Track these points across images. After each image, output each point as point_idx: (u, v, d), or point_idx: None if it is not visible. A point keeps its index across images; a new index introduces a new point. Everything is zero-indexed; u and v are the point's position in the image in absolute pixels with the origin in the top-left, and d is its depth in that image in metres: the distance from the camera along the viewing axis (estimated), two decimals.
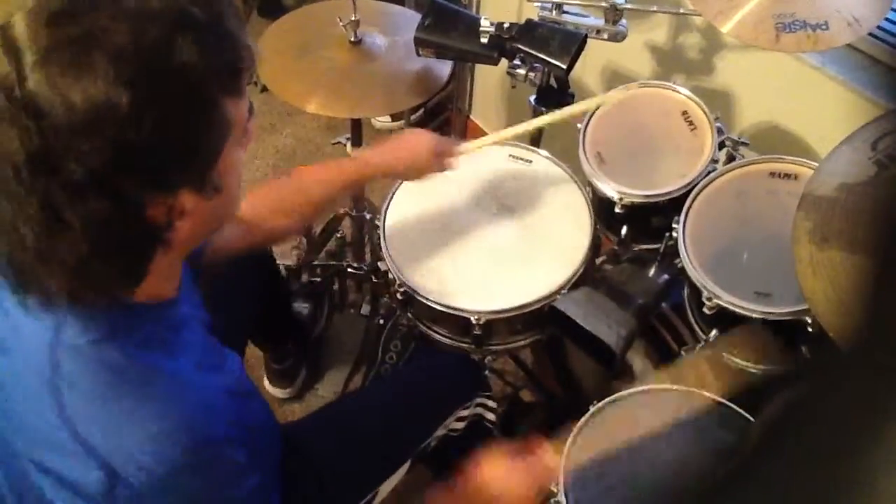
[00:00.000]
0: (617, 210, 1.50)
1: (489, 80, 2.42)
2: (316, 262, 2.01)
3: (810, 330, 1.26)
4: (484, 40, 1.47)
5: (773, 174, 1.43)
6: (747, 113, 1.73)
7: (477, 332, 1.42)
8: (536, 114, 1.69)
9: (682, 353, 1.44)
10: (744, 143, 1.53)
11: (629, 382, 1.61)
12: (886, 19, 1.35)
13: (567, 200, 1.57)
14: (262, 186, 1.31)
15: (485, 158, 1.65)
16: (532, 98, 1.67)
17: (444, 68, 1.65)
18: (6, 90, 0.69)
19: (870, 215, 1.02)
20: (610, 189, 1.51)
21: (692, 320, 1.45)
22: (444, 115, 2.61)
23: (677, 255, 1.40)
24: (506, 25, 1.48)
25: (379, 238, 1.52)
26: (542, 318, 1.45)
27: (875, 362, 0.45)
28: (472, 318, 1.40)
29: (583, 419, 1.28)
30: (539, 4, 1.55)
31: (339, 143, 1.82)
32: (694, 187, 1.45)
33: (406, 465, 1.33)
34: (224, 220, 0.90)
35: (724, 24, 1.33)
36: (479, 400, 1.43)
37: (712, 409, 1.29)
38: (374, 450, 1.31)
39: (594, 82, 2.05)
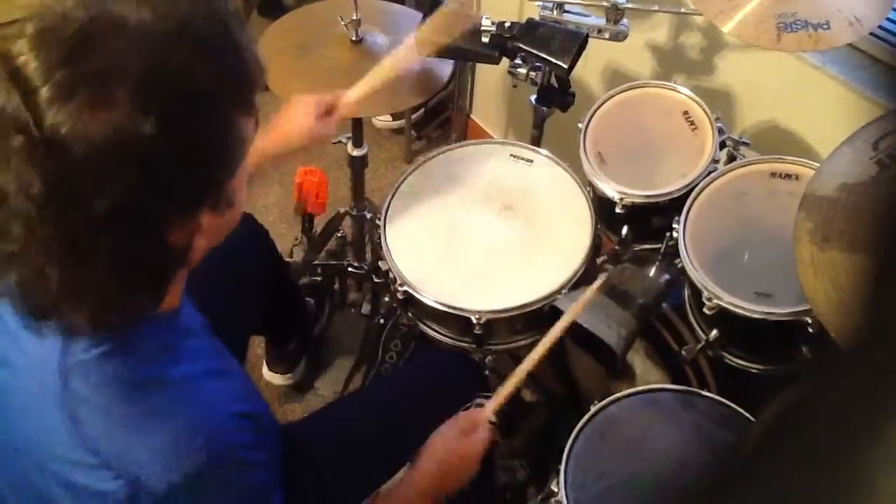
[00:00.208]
0: (617, 210, 1.50)
1: (490, 79, 2.42)
2: (316, 262, 2.01)
3: (811, 330, 1.26)
4: (485, 39, 1.47)
5: (773, 174, 1.43)
6: (748, 113, 1.73)
7: (477, 331, 1.42)
8: (538, 113, 1.70)
9: (683, 352, 1.44)
10: (745, 143, 1.52)
11: (629, 382, 1.61)
12: (887, 19, 1.35)
13: (568, 200, 1.56)
14: None
15: (486, 158, 1.65)
16: (533, 97, 1.67)
17: (446, 68, 1.65)
18: (21, 128, 0.68)
19: (871, 215, 1.02)
20: (610, 189, 1.50)
21: (693, 320, 1.45)
22: (445, 114, 2.61)
23: (678, 255, 1.40)
24: (507, 25, 1.48)
25: (380, 237, 1.52)
26: (542, 317, 1.45)
27: (875, 362, 0.45)
28: (472, 318, 1.40)
29: (583, 419, 1.29)
30: (540, 4, 1.55)
31: (339, 142, 1.82)
32: (695, 187, 1.45)
33: (406, 466, 1.33)
34: (230, 229, 0.91)
35: (726, 24, 1.33)
36: (478, 400, 1.43)
37: (712, 409, 1.29)
38: (374, 450, 1.31)
39: (595, 82, 2.05)
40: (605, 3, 1.50)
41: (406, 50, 1.43)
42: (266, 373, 2.00)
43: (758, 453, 0.54)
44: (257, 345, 2.01)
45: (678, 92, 1.59)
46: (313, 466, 1.22)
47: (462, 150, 1.67)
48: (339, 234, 2.06)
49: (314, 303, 2.07)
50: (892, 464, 0.44)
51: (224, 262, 1.41)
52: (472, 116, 2.58)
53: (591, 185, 1.56)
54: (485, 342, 1.47)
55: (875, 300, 0.49)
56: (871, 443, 0.44)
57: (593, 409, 1.30)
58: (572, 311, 1.26)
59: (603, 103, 1.63)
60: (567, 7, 1.55)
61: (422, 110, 2.56)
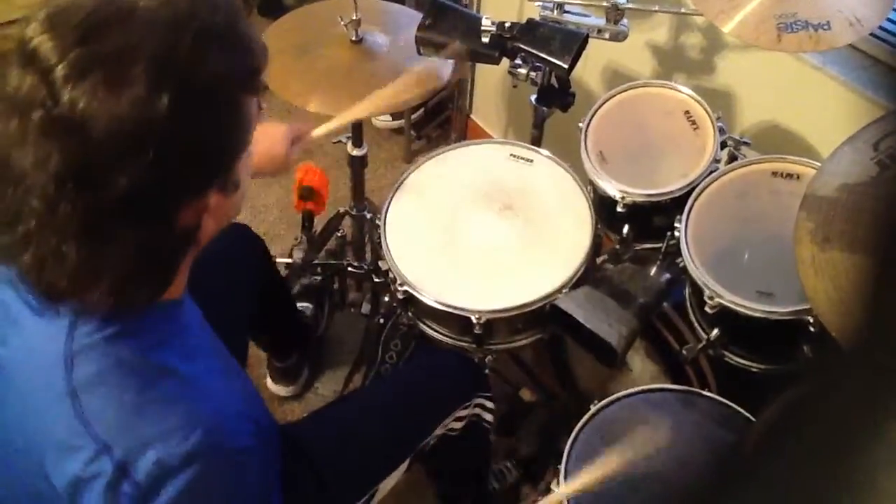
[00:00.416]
0: (618, 209, 1.50)
1: (490, 79, 2.42)
2: (316, 262, 2.01)
3: (812, 329, 1.26)
4: (485, 39, 1.47)
5: (775, 174, 1.43)
6: (749, 113, 1.73)
7: (478, 331, 1.42)
8: (538, 113, 1.70)
9: (684, 352, 1.44)
10: (745, 143, 1.52)
11: (630, 382, 1.61)
12: (888, 19, 1.35)
13: (568, 200, 1.56)
14: None
15: (486, 158, 1.65)
16: (533, 97, 1.67)
17: (446, 67, 1.65)
18: (40, 102, 0.70)
19: (871, 215, 1.02)
20: (611, 188, 1.50)
21: (694, 319, 1.45)
22: (445, 114, 2.60)
23: (679, 254, 1.40)
24: (507, 25, 1.48)
25: (379, 237, 1.52)
26: (543, 317, 1.45)
27: (876, 362, 0.45)
28: (472, 318, 1.40)
29: (583, 419, 1.29)
30: (540, 4, 1.55)
31: (339, 141, 1.82)
32: (696, 187, 1.45)
33: (405, 464, 1.33)
34: (235, 213, 0.93)
35: (726, 24, 1.33)
36: (478, 400, 1.43)
37: (713, 408, 1.29)
38: (373, 449, 1.31)
39: (595, 82, 2.05)
40: (605, 4, 1.50)
41: (381, 97, 1.44)
42: (270, 384, 2.01)
43: (758, 453, 0.54)
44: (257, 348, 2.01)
45: (679, 91, 1.59)
46: (313, 466, 1.22)
47: (462, 150, 1.67)
48: (338, 234, 2.06)
49: (312, 307, 2.07)
50: (892, 464, 0.44)
51: (221, 269, 1.42)
52: (472, 116, 2.58)
53: (592, 184, 1.56)
54: (485, 342, 1.47)
55: (875, 300, 0.49)
56: (871, 443, 0.44)
57: (593, 408, 1.30)
58: None
59: (604, 103, 1.63)
60: (567, 7, 1.55)
61: (422, 110, 2.55)
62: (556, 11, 1.55)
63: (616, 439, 1.27)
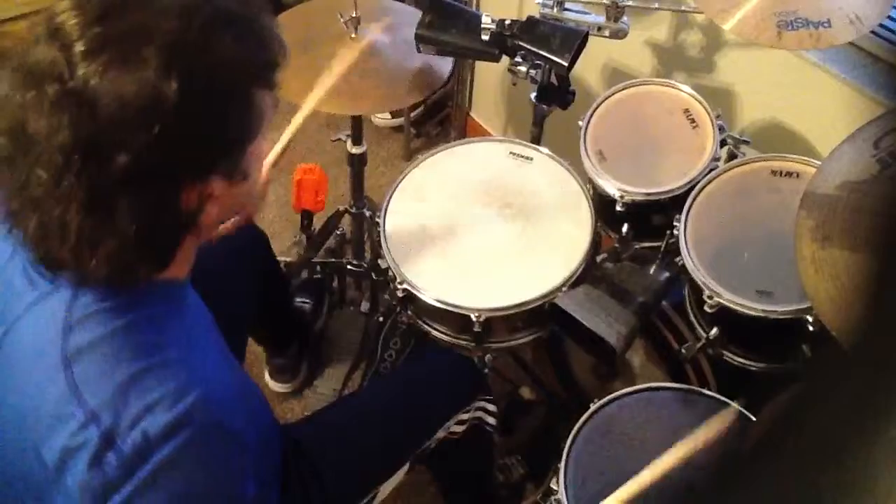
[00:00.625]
0: (618, 208, 1.50)
1: (490, 77, 2.42)
2: (315, 260, 2.01)
3: (811, 328, 1.25)
4: (485, 37, 1.47)
5: (774, 172, 1.43)
6: (749, 111, 1.73)
7: (477, 329, 1.42)
8: (537, 111, 1.69)
9: (683, 350, 1.44)
10: (745, 142, 1.52)
11: (629, 381, 1.61)
12: (888, 17, 1.35)
13: (567, 198, 1.56)
14: None
15: (485, 156, 1.64)
16: (533, 95, 1.67)
17: (445, 65, 1.65)
18: (57, 75, 0.73)
19: (872, 214, 1.02)
20: (611, 187, 1.50)
21: (693, 318, 1.45)
22: (445, 112, 2.60)
23: (678, 253, 1.40)
24: (507, 22, 1.47)
25: (379, 235, 1.52)
26: (542, 315, 1.45)
27: (876, 361, 0.45)
28: (472, 316, 1.40)
29: (582, 418, 1.28)
30: (540, 1, 1.55)
31: (339, 139, 1.82)
32: (695, 185, 1.45)
33: (406, 467, 1.33)
34: (245, 204, 0.95)
35: (726, 22, 1.33)
36: (479, 403, 1.43)
37: (712, 408, 1.28)
38: (374, 451, 1.30)
39: (595, 80, 2.04)
40: (605, 1, 1.50)
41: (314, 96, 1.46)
42: (269, 381, 2.01)
43: (758, 452, 0.53)
44: (257, 346, 2.01)
45: (679, 90, 1.59)
46: (313, 467, 1.22)
47: (461, 148, 1.67)
48: (338, 232, 2.06)
49: (312, 303, 2.07)
50: (892, 464, 0.44)
51: (224, 263, 1.41)
52: (472, 114, 2.58)
53: (591, 182, 1.55)
54: (484, 340, 1.47)
55: (876, 299, 0.48)
56: (871, 442, 0.44)
57: (593, 407, 1.29)
58: None
59: (603, 101, 1.62)
60: (567, 5, 1.55)
61: (421, 108, 2.55)
62: (556, 9, 1.54)
63: (616, 438, 1.27)
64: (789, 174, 1.42)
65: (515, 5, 2.09)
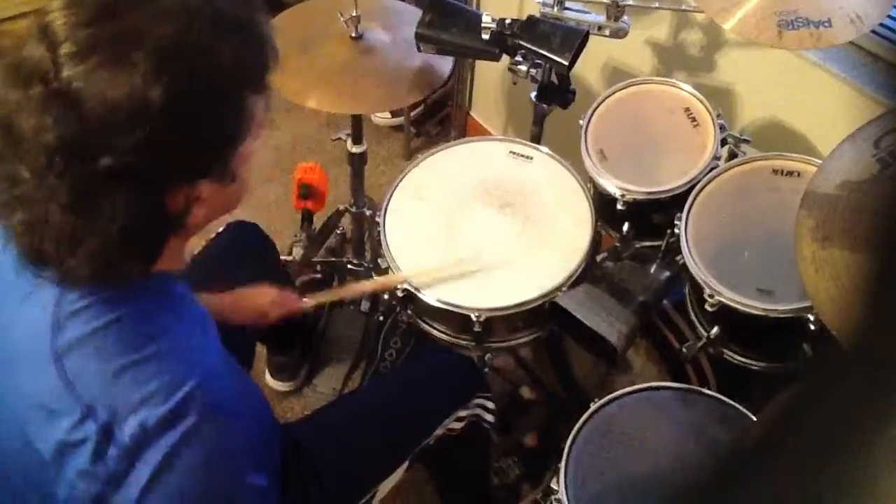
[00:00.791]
0: (618, 207, 1.50)
1: (490, 76, 2.42)
2: (316, 259, 2.01)
3: (812, 327, 1.25)
4: (485, 36, 1.47)
5: (775, 171, 1.43)
6: (749, 110, 1.73)
7: (477, 329, 1.42)
8: (538, 110, 1.69)
9: (684, 349, 1.44)
10: (746, 141, 1.52)
11: (630, 380, 1.61)
12: (889, 17, 1.34)
13: (568, 197, 1.56)
14: None
15: (485, 155, 1.64)
16: (533, 94, 1.67)
17: (446, 64, 1.64)
18: (42, 75, 0.73)
19: (872, 213, 1.02)
20: (611, 186, 1.50)
21: (693, 317, 1.45)
22: (445, 111, 2.60)
23: (679, 251, 1.40)
24: (507, 21, 1.47)
25: (379, 234, 1.52)
26: (542, 315, 1.45)
27: (876, 361, 0.45)
28: (472, 316, 1.40)
29: (583, 417, 1.28)
30: (541, 0, 1.55)
31: (339, 139, 1.81)
32: (696, 184, 1.45)
33: (405, 464, 1.33)
34: (233, 205, 0.93)
35: (727, 21, 1.32)
36: (478, 401, 1.43)
37: (712, 407, 1.28)
38: (373, 450, 1.30)
39: (595, 79, 2.04)
40: (605, 0, 1.50)
41: (384, 281, 1.49)
42: (269, 380, 2.00)
43: (758, 451, 0.53)
44: (259, 349, 2.01)
45: (680, 89, 1.58)
46: (313, 466, 1.22)
47: (461, 147, 1.67)
48: (338, 231, 2.06)
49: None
50: (892, 464, 0.44)
51: (229, 265, 1.41)
52: (472, 113, 2.58)
53: (592, 181, 1.55)
54: (484, 340, 1.47)
55: (876, 298, 0.48)
56: (872, 441, 0.44)
57: (593, 407, 1.29)
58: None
59: (604, 100, 1.62)
60: (567, 4, 1.54)
61: (421, 107, 2.55)
62: (556, 8, 1.54)
63: (616, 438, 1.27)
64: (790, 173, 1.41)
65: (516, 4, 2.09)
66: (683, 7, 1.62)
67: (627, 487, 1.20)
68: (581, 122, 1.60)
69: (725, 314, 1.32)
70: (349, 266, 2.01)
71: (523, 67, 1.59)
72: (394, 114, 2.59)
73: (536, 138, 1.74)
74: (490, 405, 1.45)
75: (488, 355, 1.53)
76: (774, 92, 1.65)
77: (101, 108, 0.72)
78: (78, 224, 0.76)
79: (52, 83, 0.73)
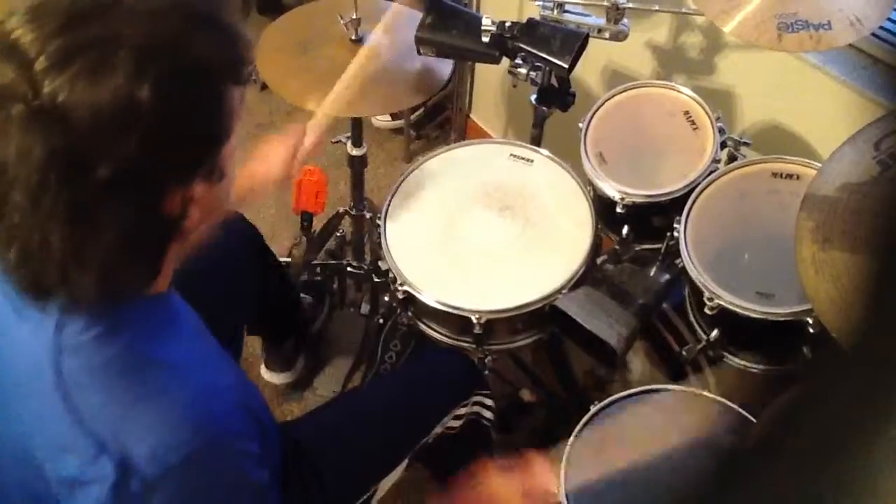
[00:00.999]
0: (618, 210, 1.50)
1: (490, 79, 2.42)
2: (316, 262, 2.01)
3: (812, 330, 1.25)
4: (485, 39, 1.47)
5: (775, 174, 1.43)
6: (749, 113, 1.73)
7: (477, 331, 1.42)
8: (538, 113, 1.69)
9: (683, 352, 1.44)
10: (745, 143, 1.52)
11: (629, 383, 1.61)
12: (888, 19, 1.35)
13: (568, 200, 1.56)
14: None
15: (485, 158, 1.64)
16: (533, 97, 1.67)
17: (445, 67, 1.65)
18: (20, 96, 0.70)
19: (872, 215, 1.02)
20: (611, 189, 1.50)
21: (693, 320, 1.45)
22: (445, 114, 2.60)
23: (678, 254, 1.40)
24: (507, 24, 1.48)
25: (379, 237, 1.52)
26: (542, 317, 1.45)
27: (876, 361, 0.45)
28: (472, 318, 1.40)
29: (583, 420, 1.28)
30: (540, 3, 1.55)
31: (339, 141, 1.81)
32: (695, 187, 1.45)
33: (404, 463, 1.33)
34: (225, 205, 0.92)
35: (726, 24, 1.33)
36: (476, 398, 1.43)
37: (712, 409, 1.28)
38: (372, 448, 1.31)
39: (595, 82, 2.05)
40: (605, 3, 1.50)
41: (364, 57, 1.46)
42: (264, 372, 2.00)
43: (758, 452, 0.53)
44: (256, 345, 2.01)
45: (679, 92, 1.59)
46: (312, 465, 1.22)
47: (462, 150, 1.67)
48: (338, 234, 2.06)
49: (312, 299, 2.07)
50: (892, 464, 0.44)
51: (215, 258, 1.41)
52: (472, 116, 2.58)
53: (591, 184, 1.56)
54: (484, 342, 1.47)
55: (876, 299, 0.48)
56: (871, 442, 0.44)
57: (593, 409, 1.29)
58: None
59: (604, 103, 1.62)
60: (567, 7, 1.55)
61: (421, 110, 2.55)
62: (556, 11, 1.54)
63: (616, 440, 1.26)
64: (789, 176, 1.42)
65: (516, 7, 2.09)
66: (683, 10, 1.62)
67: (627, 489, 1.20)
68: (581, 125, 1.60)
69: (725, 317, 1.32)
70: (349, 269, 2.01)
71: (523, 70, 1.59)
72: (394, 116, 2.59)
73: (536, 141, 1.74)
74: (489, 402, 1.45)
75: (488, 357, 1.53)
76: (774, 95, 1.65)
77: (89, 116, 0.70)
78: (80, 242, 0.74)
79: (32, 102, 0.70)
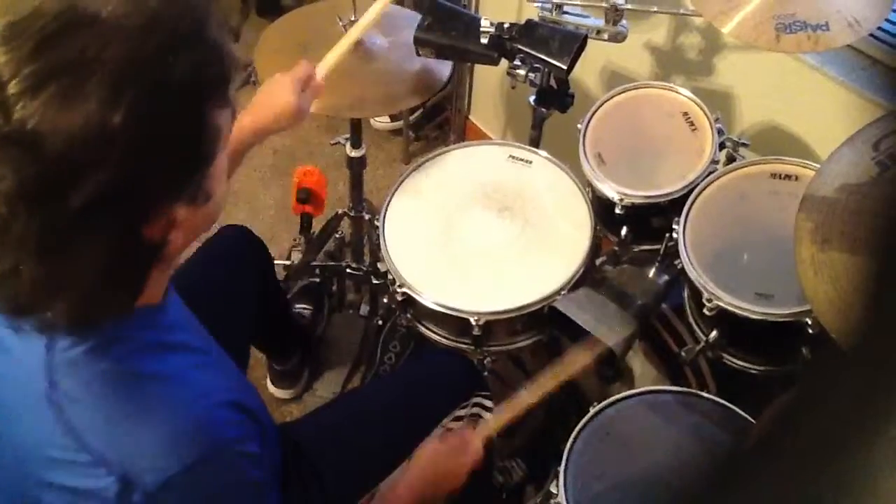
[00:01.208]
0: (617, 211, 1.50)
1: (488, 80, 2.42)
2: (315, 263, 2.01)
3: (811, 331, 1.25)
4: (484, 40, 1.47)
5: (773, 175, 1.43)
6: (747, 114, 1.73)
7: (476, 332, 1.42)
8: (536, 114, 1.69)
9: (682, 353, 1.44)
10: (744, 144, 1.52)
11: (629, 384, 1.61)
12: (887, 20, 1.35)
13: (567, 201, 1.56)
14: None
15: (484, 159, 1.65)
16: (532, 98, 1.67)
17: (444, 68, 1.65)
18: None
19: (871, 216, 1.02)
20: (610, 190, 1.50)
21: (692, 321, 1.45)
22: (444, 115, 2.60)
23: (677, 255, 1.40)
24: (506, 25, 1.48)
25: (378, 238, 1.52)
26: (541, 318, 1.45)
27: (876, 361, 0.45)
28: (471, 319, 1.40)
29: (583, 421, 1.28)
30: (539, 4, 1.55)
31: (338, 143, 1.82)
32: (694, 188, 1.45)
33: (404, 464, 1.33)
34: (209, 225, 0.90)
35: (725, 25, 1.33)
36: (476, 399, 1.43)
37: (712, 410, 1.28)
38: (373, 450, 1.31)
39: (594, 83, 2.05)
40: (604, 4, 1.50)
41: (372, 15, 1.44)
42: (270, 387, 2.00)
43: (758, 454, 0.53)
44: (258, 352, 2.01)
45: (678, 93, 1.59)
46: (312, 466, 1.22)
47: (460, 151, 1.67)
48: (337, 236, 2.06)
49: (312, 309, 2.06)
50: (892, 464, 0.44)
51: (220, 271, 1.40)
52: (471, 117, 2.58)
53: (590, 185, 1.56)
54: (483, 343, 1.47)
55: (876, 299, 0.48)
56: (870, 443, 0.44)
57: (593, 410, 1.29)
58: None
59: (602, 104, 1.63)
60: (566, 8, 1.55)
61: (420, 111, 2.55)
62: (554, 12, 1.54)
63: (615, 440, 1.27)
64: (788, 177, 1.42)
65: (514, 8, 2.09)
66: (682, 11, 1.62)
67: (627, 490, 1.20)
68: (579, 126, 1.60)
69: (724, 318, 1.32)
70: (348, 270, 2.01)
71: (522, 71, 1.59)
72: (393, 118, 2.59)
73: (535, 142, 1.74)
74: (488, 403, 1.45)
75: (487, 359, 1.53)
76: (772, 95, 1.65)
77: (61, 143, 0.66)
78: (53, 272, 0.72)
79: (3, 128, 0.66)
